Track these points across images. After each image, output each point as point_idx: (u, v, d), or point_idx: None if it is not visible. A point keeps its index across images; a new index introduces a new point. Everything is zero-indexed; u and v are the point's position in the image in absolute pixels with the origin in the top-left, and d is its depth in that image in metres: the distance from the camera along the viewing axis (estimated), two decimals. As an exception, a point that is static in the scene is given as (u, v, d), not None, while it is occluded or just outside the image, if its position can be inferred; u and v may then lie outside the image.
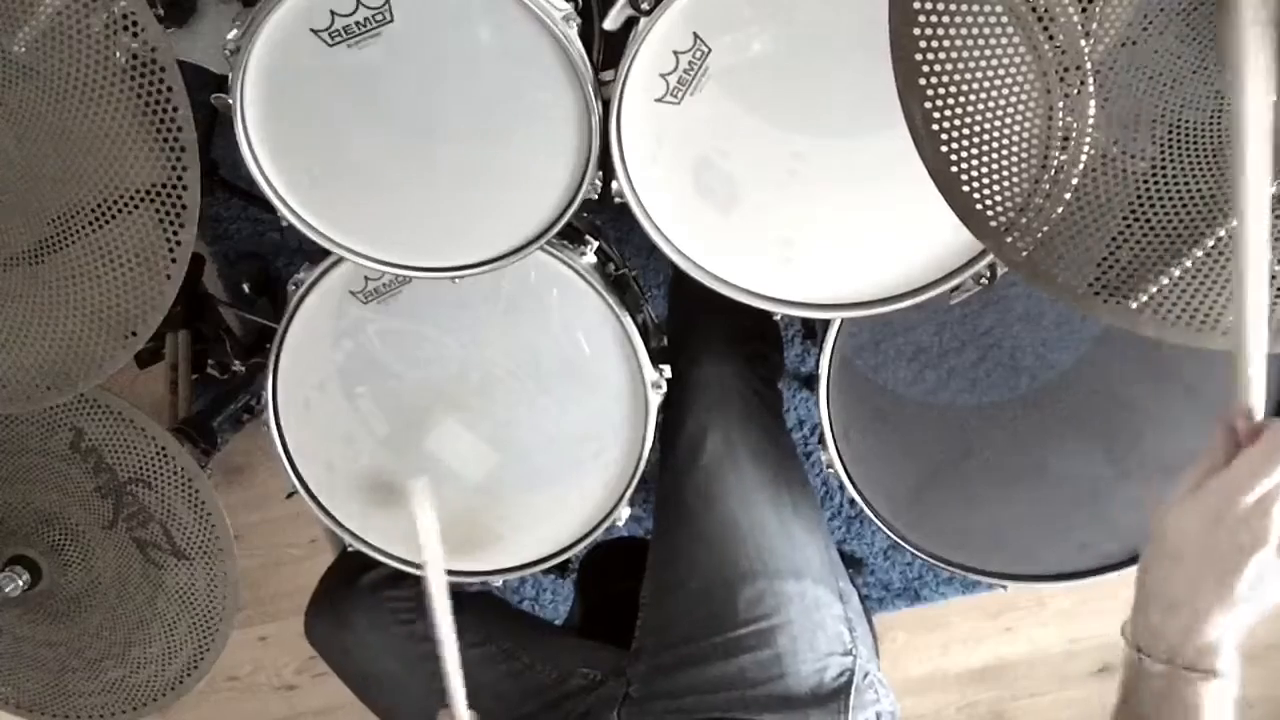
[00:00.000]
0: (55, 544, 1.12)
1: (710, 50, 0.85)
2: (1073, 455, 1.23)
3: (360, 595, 1.16)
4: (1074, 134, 0.69)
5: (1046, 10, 0.65)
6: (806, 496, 1.13)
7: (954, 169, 0.71)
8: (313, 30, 0.85)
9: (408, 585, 1.16)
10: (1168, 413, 1.17)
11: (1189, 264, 0.72)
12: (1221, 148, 0.70)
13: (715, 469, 1.08)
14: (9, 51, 0.78)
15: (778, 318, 1.04)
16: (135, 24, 0.75)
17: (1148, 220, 0.72)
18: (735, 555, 1.04)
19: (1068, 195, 0.71)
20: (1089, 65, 0.66)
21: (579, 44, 0.84)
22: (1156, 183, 0.71)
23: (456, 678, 0.94)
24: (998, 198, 0.72)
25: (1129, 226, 0.72)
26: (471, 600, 1.21)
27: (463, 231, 0.97)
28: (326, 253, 1.00)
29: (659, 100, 0.88)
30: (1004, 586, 1.13)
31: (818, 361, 1.06)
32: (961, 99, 0.68)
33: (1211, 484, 0.64)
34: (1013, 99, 0.68)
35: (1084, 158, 0.70)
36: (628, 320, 1.03)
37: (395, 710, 1.16)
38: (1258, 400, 0.65)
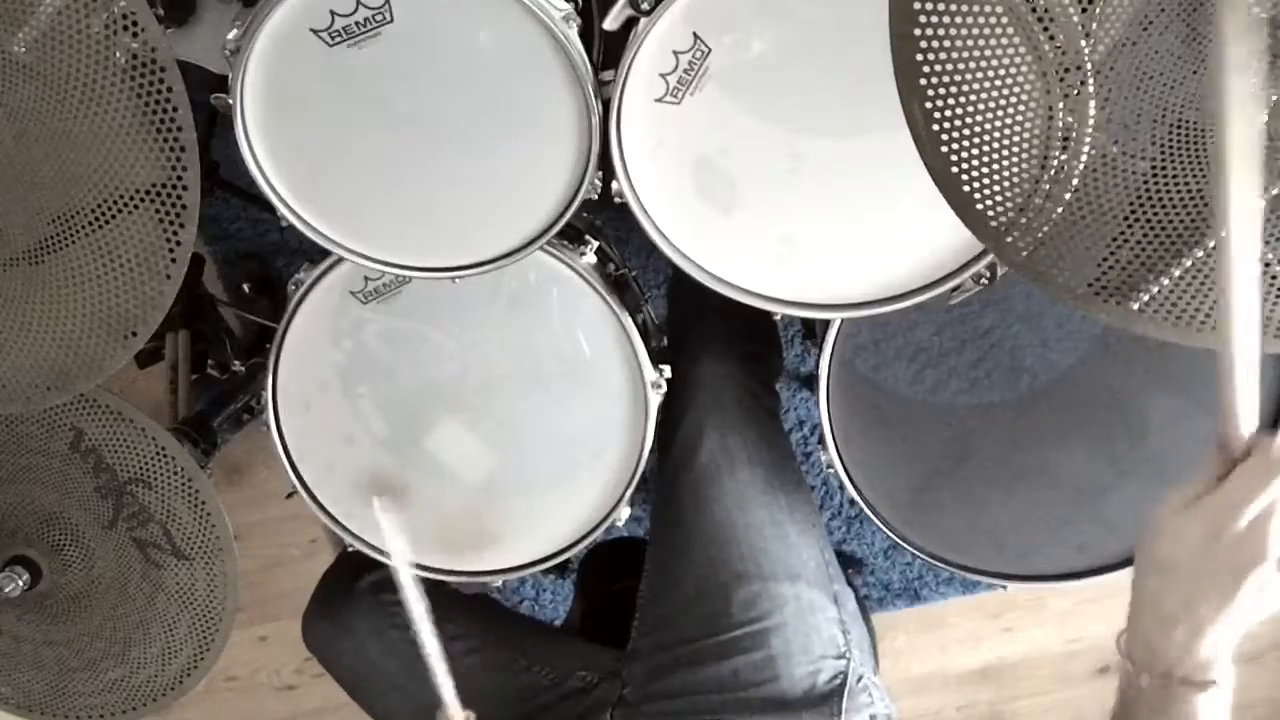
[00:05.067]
0: (55, 544, 1.12)
1: (710, 50, 0.85)
2: (1073, 455, 1.23)
3: (359, 598, 1.16)
4: (1074, 134, 0.69)
5: (1046, 10, 0.65)
6: (802, 499, 1.13)
7: (954, 169, 0.71)
8: (313, 30, 0.85)
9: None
10: (1168, 413, 1.17)
11: (1189, 264, 0.72)
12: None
13: (711, 471, 1.08)
14: (9, 51, 0.78)
15: (777, 318, 1.04)
16: (135, 24, 0.75)
17: (1148, 220, 0.72)
18: (729, 557, 1.04)
19: (1068, 195, 0.71)
20: (1089, 65, 0.66)
21: (579, 44, 0.84)
22: (1157, 183, 0.71)
23: (445, 679, 0.94)
24: (998, 198, 0.72)
25: (1129, 227, 0.72)
26: (468, 603, 1.21)
27: (463, 231, 0.98)
28: (326, 253, 1.00)
29: (659, 100, 0.88)
30: (1004, 586, 1.13)
31: (817, 361, 1.06)
32: (961, 99, 0.68)
33: (1207, 501, 0.64)
34: (1013, 99, 0.68)
35: (1084, 158, 0.70)
36: (628, 320, 1.03)
37: (392, 713, 1.16)
38: (1248, 417, 0.64)
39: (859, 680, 1.02)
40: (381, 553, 1.15)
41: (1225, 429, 0.65)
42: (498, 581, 1.17)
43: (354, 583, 1.17)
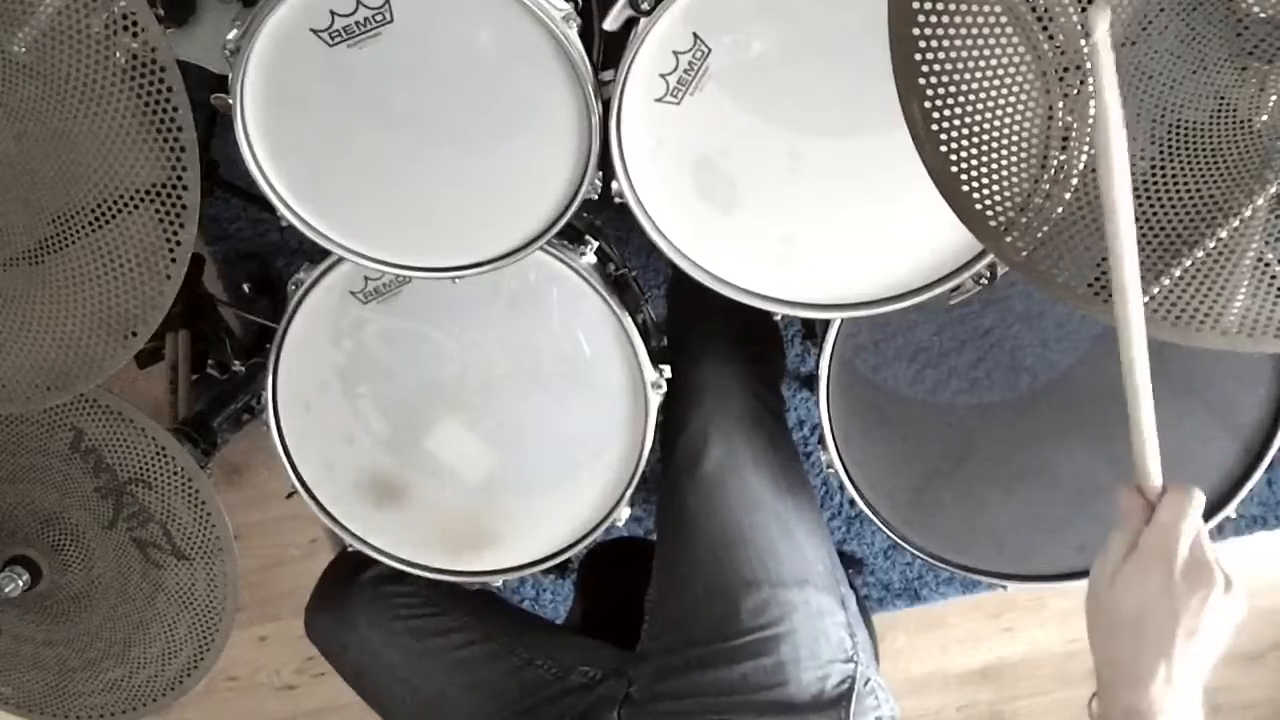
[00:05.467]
0: (55, 544, 1.12)
1: (710, 50, 0.85)
2: (1073, 455, 1.23)
3: (360, 591, 1.17)
4: (1074, 134, 0.69)
5: (1046, 10, 0.65)
6: (808, 500, 1.13)
7: (954, 169, 0.71)
8: (313, 30, 0.85)
9: (408, 581, 1.16)
10: (1167, 412, 1.17)
11: (1189, 264, 0.72)
12: (1222, 148, 0.70)
13: (718, 475, 1.07)
14: (9, 51, 0.78)
15: (778, 318, 1.04)
16: (135, 24, 0.75)
17: (1148, 220, 0.72)
18: (738, 562, 1.04)
19: (1068, 195, 0.71)
20: (1089, 65, 0.66)
21: (579, 44, 0.84)
22: (1156, 183, 0.71)
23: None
24: (998, 198, 0.72)
25: (1129, 226, 0.72)
26: (470, 598, 1.21)
27: (463, 231, 0.97)
28: (326, 253, 1.00)
29: (659, 100, 0.88)
30: (1004, 586, 1.13)
31: (818, 362, 1.06)
32: (961, 99, 0.68)
33: (1145, 543, 0.66)
34: (1013, 99, 0.68)
35: (1084, 158, 0.70)
36: (628, 320, 1.03)
37: (395, 706, 1.17)
38: (1154, 465, 0.68)
39: (866, 683, 1.02)
40: (381, 553, 1.15)
41: (1139, 480, 0.68)
42: (498, 581, 1.17)
43: (355, 576, 1.17)
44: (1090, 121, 0.68)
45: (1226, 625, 0.65)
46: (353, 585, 1.17)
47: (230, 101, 0.87)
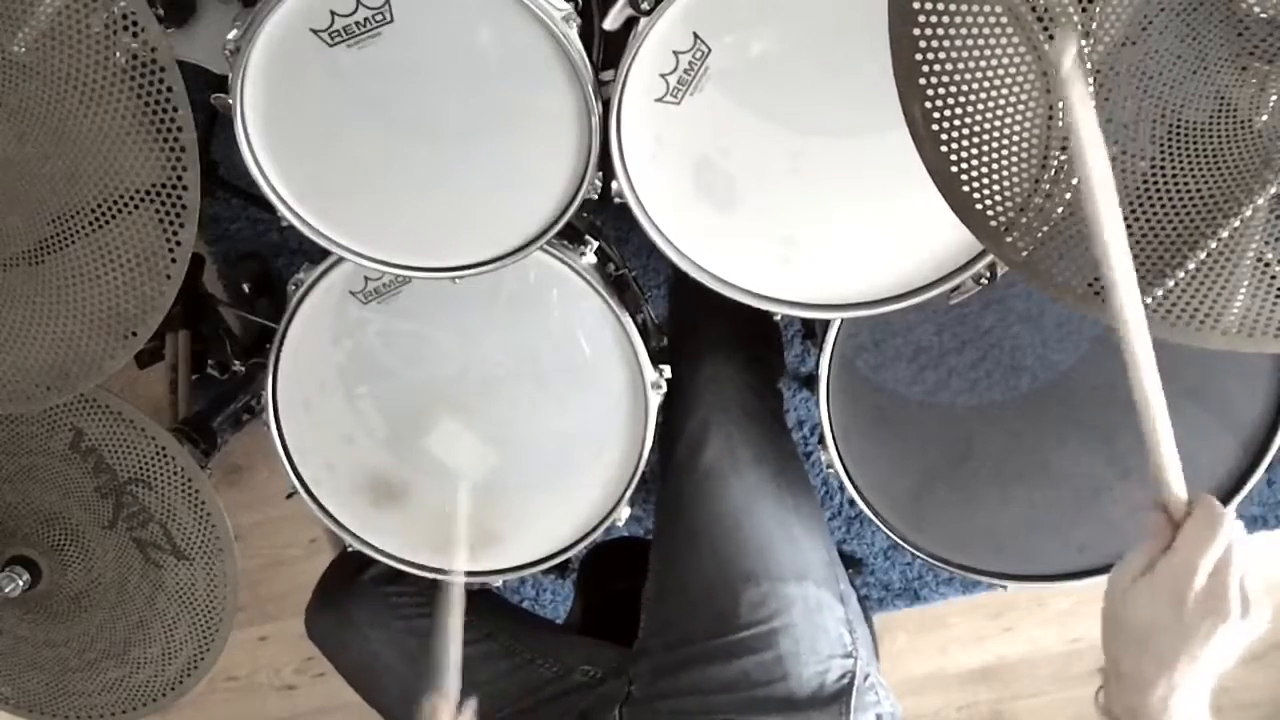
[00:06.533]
0: (55, 544, 1.12)
1: (710, 50, 0.85)
2: (1073, 455, 1.23)
3: (361, 591, 1.17)
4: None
5: (1046, 10, 0.65)
6: (808, 498, 1.13)
7: (954, 169, 0.71)
8: (313, 30, 0.85)
9: (408, 581, 1.16)
10: (1168, 413, 1.17)
11: (1190, 265, 0.72)
12: (1222, 148, 0.70)
13: (717, 471, 1.08)
14: (9, 51, 0.78)
15: (778, 318, 1.04)
16: (135, 24, 0.75)
17: (1148, 220, 0.72)
18: (737, 557, 1.04)
19: (1068, 195, 0.71)
20: (1089, 65, 0.66)
21: (579, 44, 0.84)
22: (1157, 183, 0.71)
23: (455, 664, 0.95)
24: (998, 198, 0.72)
25: (1129, 227, 0.72)
26: (472, 598, 1.21)
27: (463, 231, 0.97)
28: (326, 253, 1.00)
29: (659, 100, 0.88)
30: (1004, 586, 1.13)
31: (818, 361, 1.06)
32: (961, 99, 0.68)
33: (1162, 567, 0.66)
34: (1013, 99, 0.68)
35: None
36: (628, 320, 1.03)
37: (395, 705, 1.17)
38: (1178, 478, 0.67)
39: (866, 679, 1.02)
40: (381, 553, 1.15)
41: (1161, 493, 0.67)
42: (498, 581, 1.17)
43: (356, 576, 1.17)
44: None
45: (1237, 648, 0.65)
46: (353, 585, 1.17)
47: (230, 101, 0.87)
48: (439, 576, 1.15)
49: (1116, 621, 0.68)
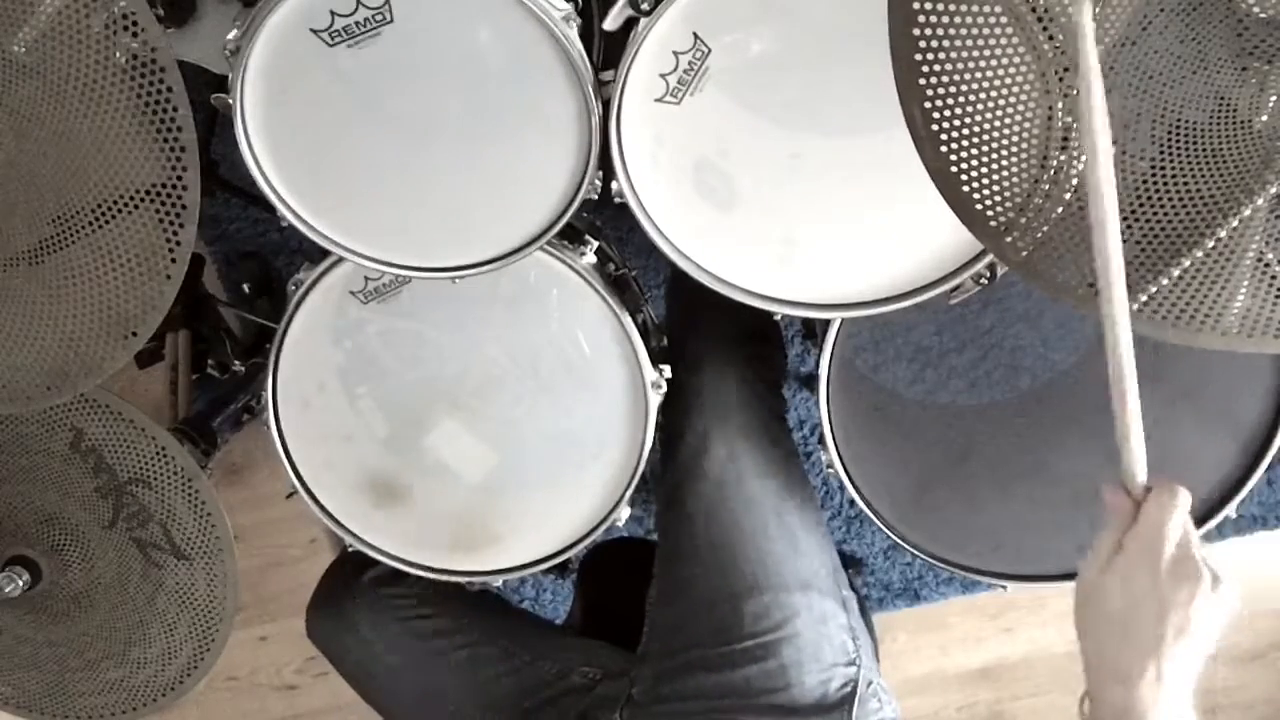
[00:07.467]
0: (55, 544, 1.12)
1: (710, 50, 0.85)
2: (1073, 455, 1.23)
3: (361, 592, 1.17)
4: (1074, 134, 0.69)
5: (1046, 10, 0.65)
6: (810, 502, 1.13)
7: (954, 169, 0.71)
8: (313, 30, 0.85)
9: (409, 582, 1.16)
10: (1167, 413, 1.17)
11: (1189, 264, 0.72)
12: (1222, 148, 0.70)
13: (720, 478, 1.07)
14: (9, 51, 0.78)
15: (778, 318, 1.04)
16: (135, 24, 0.75)
17: (1148, 220, 0.72)
18: (741, 566, 1.04)
19: (1068, 195, 0.71)
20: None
21: (579, 44, 0.84)
22: (1156, 183, 0.71)
23: None
24: (998, 198, 0.72)
25: (1129, 226, 0.72)
26: (470, 598, 1.21)
27: (463, 231, 0.97)
28: (326, 253, 1.00)
29: (659, 100, 0.88)
30: (1004, 586, 1.13)
31: (818, 361, 1.06)
32: (961, 99, 0.68)
33: (1130, 542, 0.66)
34: (1013, 99, 0.68)
35: (1084, 158, 0.70)
36: (628, 320, 1.03)
37: (396, 706, 1.17)
38: (1139, 465, 0.67)
39: (869, 686, 1.03)
40: (381, 553, 1.15)
41: (1125, 479, 0.68)
42: (498, 581, 1.17)
43: (356, 577, 1.17)
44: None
45: (1216, 622, 0.65)
46: (353, 586, 1.17)
47: (230, 101, 0.87)
48: (439, 577, 1.15)
49: (1094, 614, 0.68)
